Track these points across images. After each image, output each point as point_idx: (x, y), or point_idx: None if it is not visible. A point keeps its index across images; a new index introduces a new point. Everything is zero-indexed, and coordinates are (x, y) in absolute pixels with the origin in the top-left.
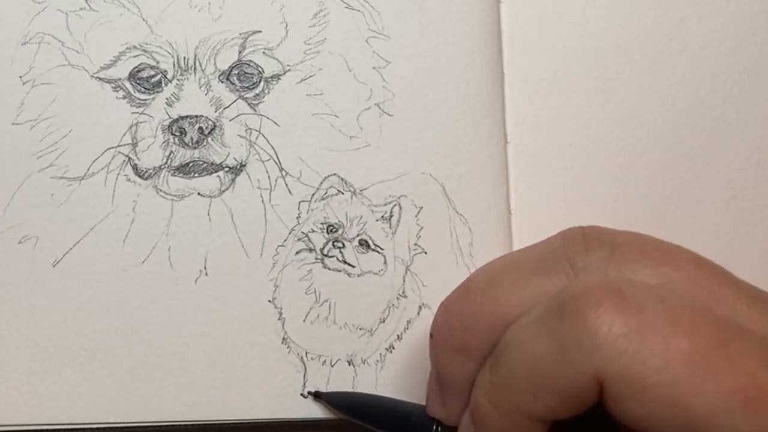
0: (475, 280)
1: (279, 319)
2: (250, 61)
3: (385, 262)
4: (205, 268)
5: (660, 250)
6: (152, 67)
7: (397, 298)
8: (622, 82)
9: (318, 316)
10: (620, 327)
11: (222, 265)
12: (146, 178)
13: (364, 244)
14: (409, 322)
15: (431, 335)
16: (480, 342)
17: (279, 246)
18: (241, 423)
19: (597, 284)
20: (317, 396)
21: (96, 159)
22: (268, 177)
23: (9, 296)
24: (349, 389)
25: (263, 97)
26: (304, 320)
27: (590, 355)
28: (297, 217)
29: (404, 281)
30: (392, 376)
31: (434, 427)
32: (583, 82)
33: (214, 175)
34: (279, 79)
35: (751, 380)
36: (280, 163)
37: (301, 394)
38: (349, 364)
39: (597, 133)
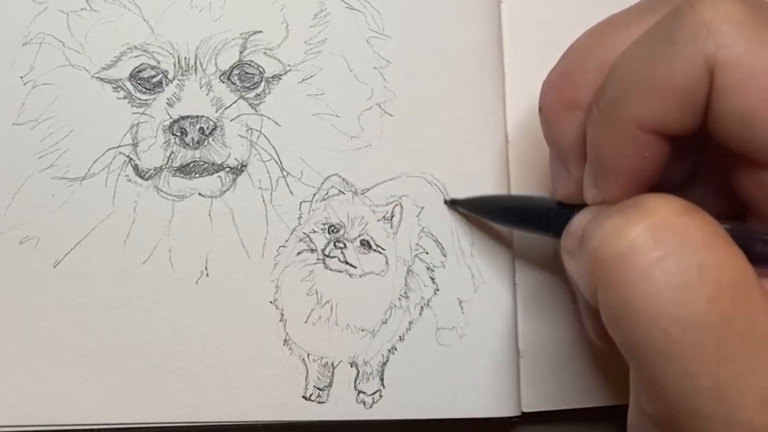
0: (578, 40)
1: (280, 320)
2: (251, 61)
3: (386, 263)
4: (206, 268)
5: None
6: (153, 68)
7: (399, 298)
8: None
9: (320, 317)
10: (737, 16)
11: (223, 265)
12: (147, 179)
13: (366, 244)
14: (411, 323)
15: (540, 110)
16: (589, 89)
17: (280, 246)
18: (242, 425)
19: None
20: (454, 203)
21: (97, 159)
22: (269, 177)
23: (9, 296)
24: (351, 387)
25: (264, 97)
26: (305, 321)
27: (704, 41)
28: (298, 218)
29: (406, 282)
30: (395, 377)
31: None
32: None
33: (215, 175)
34: (280, 79)
35: None
36: (281, 163)
37: (445, 201)
38: (351, 366)
39: None
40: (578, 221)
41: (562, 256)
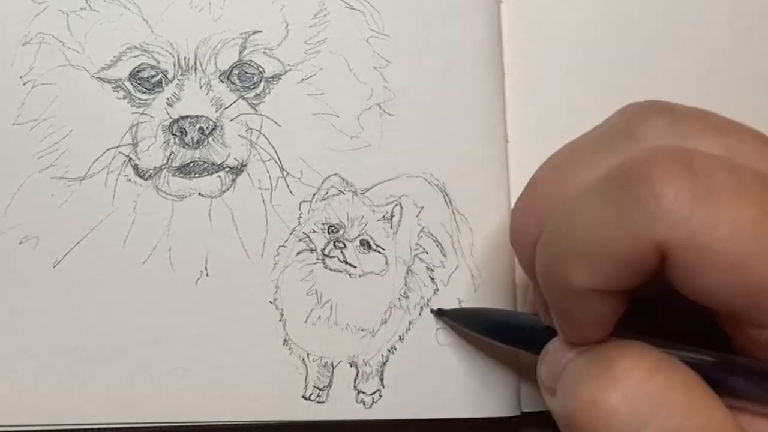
0: (539, 172)
1: (280, 320)
2: (251, 60)
3: (386, 263)
4: (205, 268)
5: (723, 122)
6: (153, 67)
7: (399, 298)
8: (622, 83)
9: (319, 317)
10: (687, 193)
11: (223, 265)
12: (147, 179)
13: (366, 244)
14: (410, 322)
15: (512, 244)
16: None
17: (280, 246)
18: (242, 425)
19: (663, 151)
20: (441, 313)
21: (96, 159)
22: (269, 177)
23: (9, 296)
24: (351, 387)
25: (264, 97)
26: (305, 321)
27: (655, 222)
28: (298, 218)
29: (406, 281)
30: (394, 377)
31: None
32: (583, 83)
33: (215, 175)
34: (279, 79)
35: None
36: (281, 163)
37: (431, 311)
38: (351, 366)
39: None
40: (552, 352)
41: (539, 382)
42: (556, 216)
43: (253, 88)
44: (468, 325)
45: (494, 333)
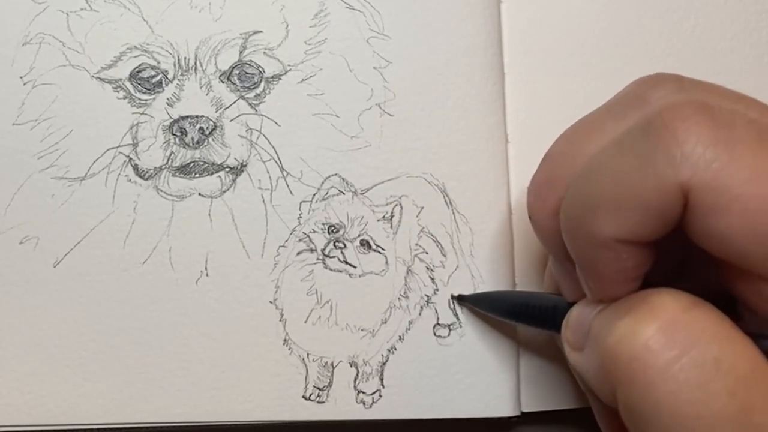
0: (554, 146)
1: (280, 320)
2: (251, 61)
3: (386, 263)
4: (205, 268)
5: (730, 91)
6: (153, 68)
7: (399, 298)
8: (622, 82)
9: (319, 317)
10: (709, 138)
11: (223, 265)
12: (147, 179)
13: (366, 244)
14: (410, 322)
15: (530, 218)
16: None
17: (280, 246)
18: (242, 425)
19: (685, 100)
20: (461, 299)
21: (97, 159)
22: (269, 177)
23: (9, 296)
24: (351, 387)
25: (264, 97)
26: (305, 321)
27: (678, 165)
28: (298, 218)
29: (405, 281)
30: (394, 377)
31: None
32: (583, 82)
33: (215, 175)
34: (280, 79)
35: None
36: (281, 163)
37: (452, 297)
38: (351, 366)
39: None
40: (576, 314)
41: (563, 347)
42: (579, 173)
43: (254, 88)
44: (489, 309)
45: (516, 315)
